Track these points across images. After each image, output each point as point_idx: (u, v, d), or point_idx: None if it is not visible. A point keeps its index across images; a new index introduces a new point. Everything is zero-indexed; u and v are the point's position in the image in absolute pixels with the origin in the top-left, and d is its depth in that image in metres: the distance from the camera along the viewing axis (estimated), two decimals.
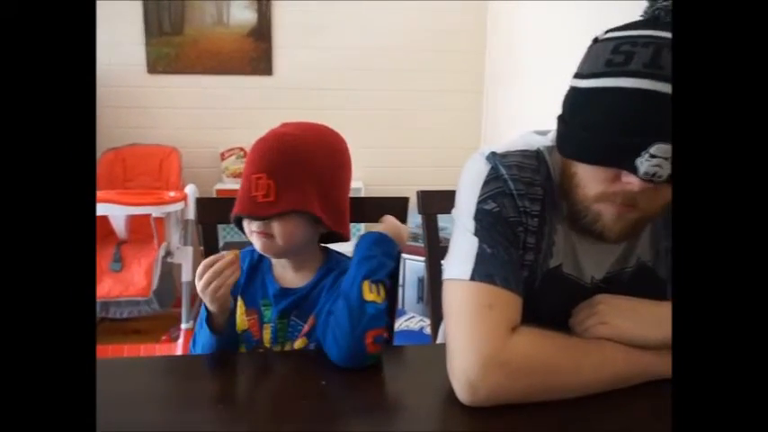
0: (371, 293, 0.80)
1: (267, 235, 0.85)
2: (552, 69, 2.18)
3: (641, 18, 0.67)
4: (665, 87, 0.60)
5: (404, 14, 2.90)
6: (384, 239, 0.88)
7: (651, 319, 0.73)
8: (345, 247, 0.94)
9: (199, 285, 0.81)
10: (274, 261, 0.94)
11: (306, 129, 0.88)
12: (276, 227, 0.84)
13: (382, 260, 0.85)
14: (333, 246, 0.98)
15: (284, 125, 0.89)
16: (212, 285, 0.81)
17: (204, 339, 0.85)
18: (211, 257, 0.82)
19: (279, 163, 0.83)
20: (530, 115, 2.42)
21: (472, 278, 0.71)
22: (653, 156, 0.61)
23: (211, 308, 0.83)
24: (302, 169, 0.84)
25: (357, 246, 0.88)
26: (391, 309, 1.04)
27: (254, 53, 2.82)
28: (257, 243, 0.87)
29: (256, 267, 0.94)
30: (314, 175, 0.85)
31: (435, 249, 1.17)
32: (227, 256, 0.82)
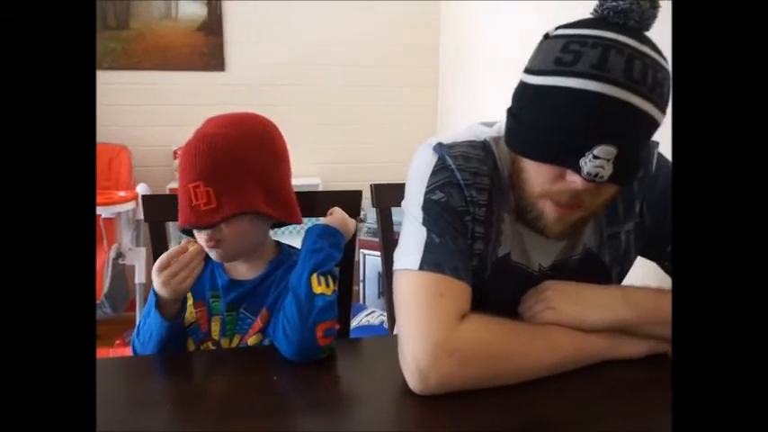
0: (320, 286, 0.80)
1: (218, 242, 0.84)
2: (506, 64, 2.21)
3: (591, 16, 0.68)
4: (611, 90, 0.61)
5: (357, 9, 2.88)
6: (330, 231, 0.88)
7: (597, 303, 0.75)
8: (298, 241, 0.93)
9: (162, 275, 0.79)
10: None
11: (234, 123, 0.85)
12: (225, 232, 0.83)
13: (329, 252, 0.85)
14: (286, 228, 0.97)
15: (209, 122, 0.86)
16: (179, 276, 0.80)
17: (155, 327, 0.83)
18: (175, 249, 0.81)
19: (212, 167, 0.80)
20: (485, 109, 2.45)
21: (421, 268, 0.71)
22: (596, 157, 0.63)
23: (168, 296, 0.81)
24: (238, 168, 0.82)
25: (304, 239, 0.87)
26: (345, 300, 1.03)
27: (205, 48, 2.76)
28: (212, 253, 0.85)
29: (205, 259, 0.91)
30: (252, 172, 0.83)
31: (390, 242, 1.17)
32: (191, 247, 0.81)
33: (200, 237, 0.85)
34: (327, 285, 0.81)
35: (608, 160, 0.63)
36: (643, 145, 0.68)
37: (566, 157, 0.65)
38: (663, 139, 0.72)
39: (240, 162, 0.82)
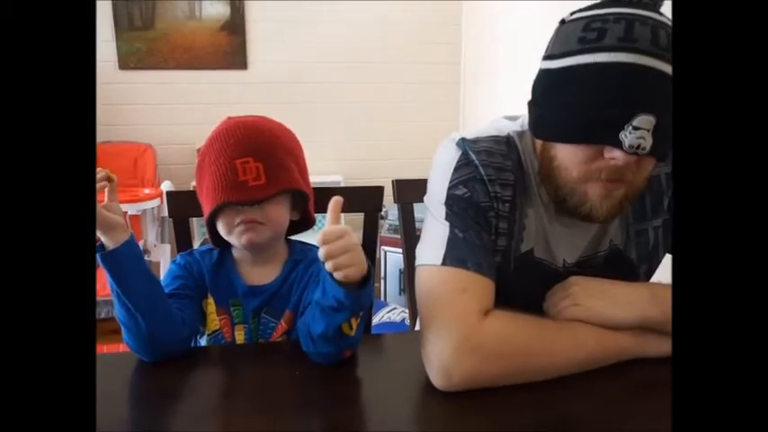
0: (351, 329, 0.73)
1: (256, 223, 0.82)
2: (528, 59, 2.19)
3: None
4: (642, 59, 0.61)
5: (379, 8, 2.89)
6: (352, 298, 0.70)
7: (623, 300, 0.74)
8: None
9: None
10: (239, 258, 0.90)
11: (260, 118, 0.88)
12: (267, 211, 0.82)
13: (362, 308, 0.72)
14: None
15: (231, 118, 0.87)
16: None
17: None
18: None
19: (262, 145, 0.82)
20: (507, 105, 2.43)
21: (444, 263, 0.71)
22: (636, 128, 0.62)
23: None
24: (281, 148, 0.84)
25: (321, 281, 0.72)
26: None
27: (228, 47, 2.79)
28: (244, 235, 0.82)
29: (220, 265, 0.90)
30: (292, 155, 0.86)
31: (411, 239, 1.17)
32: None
33: (236, 220, 0.81)
34: (357, 320, 0.72)
35: (648, 130, 0.62)
36: None
37: (604, 134, 0.64)
38: None
39: (281, 142, 0.85)
